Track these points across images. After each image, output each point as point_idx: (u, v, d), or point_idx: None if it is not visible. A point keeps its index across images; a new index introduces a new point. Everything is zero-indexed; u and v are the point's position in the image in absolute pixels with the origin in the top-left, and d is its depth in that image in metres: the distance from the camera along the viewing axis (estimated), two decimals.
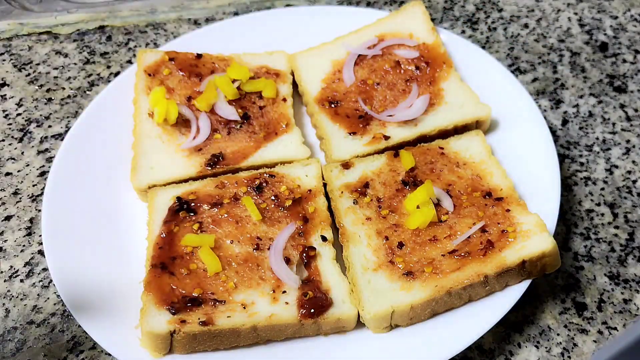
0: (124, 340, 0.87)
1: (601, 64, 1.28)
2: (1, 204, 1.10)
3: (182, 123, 1.10)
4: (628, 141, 1.16)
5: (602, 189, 1.09)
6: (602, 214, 1.06)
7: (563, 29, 1.34)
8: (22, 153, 1.17)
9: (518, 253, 0.90)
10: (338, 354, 0.88)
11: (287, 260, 0.93)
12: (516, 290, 0.90)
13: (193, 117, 1.10)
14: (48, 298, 0.99)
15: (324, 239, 0.96)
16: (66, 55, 1.34)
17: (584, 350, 0.91)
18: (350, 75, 1.16)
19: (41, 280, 1.01)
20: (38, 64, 1.32)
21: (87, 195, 1.03)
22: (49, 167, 1.14)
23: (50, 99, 1.26)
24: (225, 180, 1.02)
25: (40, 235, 1.02)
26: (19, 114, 1.24)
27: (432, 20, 1.29)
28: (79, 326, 0.95)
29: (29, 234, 1.06)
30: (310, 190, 1.01)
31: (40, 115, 1.23)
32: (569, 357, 0.91)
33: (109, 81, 1.27)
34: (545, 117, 1.17)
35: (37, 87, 1.28)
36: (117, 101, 1.14)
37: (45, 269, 1.02)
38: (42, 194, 1.10)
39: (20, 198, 1.11)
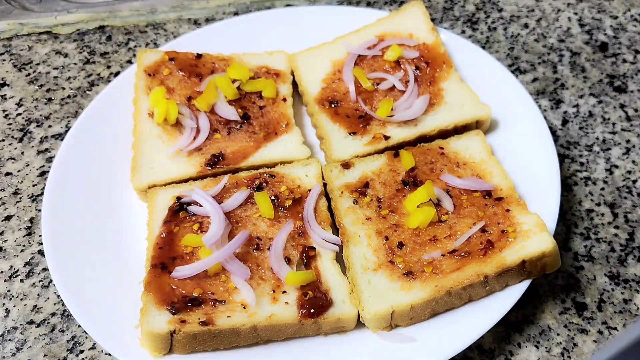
0: (124, 340, 0.87)
1: (601, 64, 1.28)
2: (1, 204, 1.10)
3: (183, 123, 1.10)
4: (628, 141, 1.16)
5: (602, 189, 1.09)
6: (602, 214, 1.06)
7: (563, 29, 1.34)
8: (22, 153, 1.17)
9: (518, 253, 0.90)
10: (338, 354, 0.88)
11: (287, 260, 0.93)
12: (516, 290, 0.90)
13: (188, 121, 1.09)
14: (48, 298, 0.99)
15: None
16: (66, 55, 1.34)
17: (584, 350, 0.91)
18: (350, 75, 1.16)
19: (41, 280, 1.01)
20: (38, 64, 1.32)
21: (87, 195, 1.03)
22: (49, 167, 1.14)
23: (50, 99, 1.26)
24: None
25: (40, 235, 1.02)
26: (19, 114, 1.24)
27: (432, 20, 1.29)
28: (79, 326, 0.95)
29: (29, 234, 1.06)
30: (310, 190, 1.01)
31: (40, 115, 1.23)
32: (569, 357, 0.91)
33: (109, 81, 1.28)
34: (545, 117, 1.17)
35: (37, 87, 1.28)
36: (117, 101, 1.14)
37: (45, 269, 1.02)
38: (42, 194, 1.10)
39: (20, 198, 1.11)
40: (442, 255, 0.92)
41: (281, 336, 0.89)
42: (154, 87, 1.12)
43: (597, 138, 1.16)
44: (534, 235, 0.91)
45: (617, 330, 0.94)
